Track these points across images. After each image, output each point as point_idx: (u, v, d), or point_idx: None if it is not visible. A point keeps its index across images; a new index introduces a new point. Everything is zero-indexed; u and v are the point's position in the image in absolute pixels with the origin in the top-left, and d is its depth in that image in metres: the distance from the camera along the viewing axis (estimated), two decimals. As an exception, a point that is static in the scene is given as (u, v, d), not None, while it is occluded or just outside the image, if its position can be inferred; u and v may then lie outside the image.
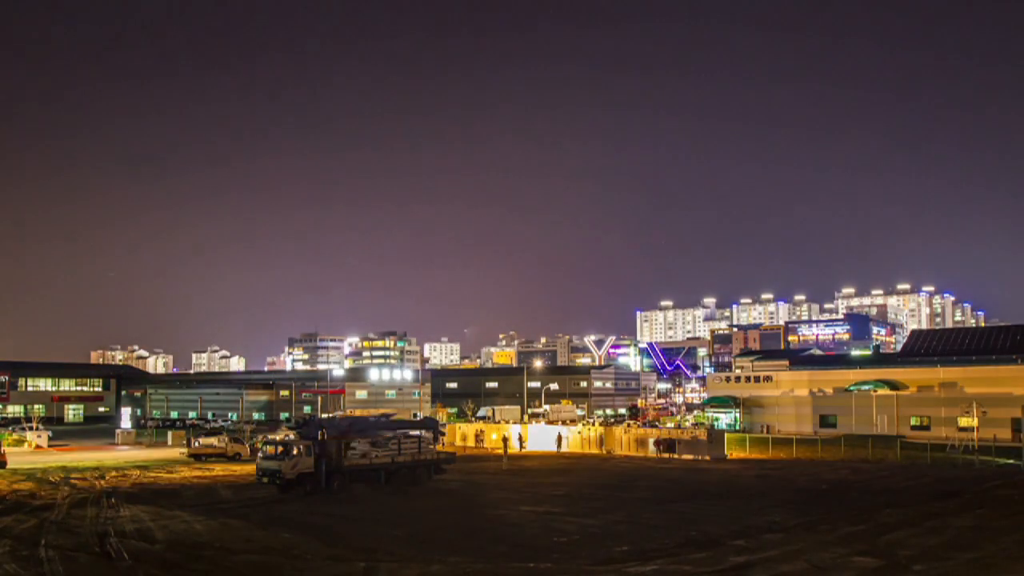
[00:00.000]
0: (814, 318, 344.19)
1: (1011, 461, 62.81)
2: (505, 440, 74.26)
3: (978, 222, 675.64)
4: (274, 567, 27.19)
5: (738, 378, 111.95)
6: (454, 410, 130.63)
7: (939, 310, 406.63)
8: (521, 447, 78.20)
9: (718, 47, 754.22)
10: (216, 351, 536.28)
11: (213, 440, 73.93)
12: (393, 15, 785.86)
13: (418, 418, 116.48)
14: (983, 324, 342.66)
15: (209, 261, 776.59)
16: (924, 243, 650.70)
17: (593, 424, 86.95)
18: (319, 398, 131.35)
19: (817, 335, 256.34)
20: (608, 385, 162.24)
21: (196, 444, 72.49)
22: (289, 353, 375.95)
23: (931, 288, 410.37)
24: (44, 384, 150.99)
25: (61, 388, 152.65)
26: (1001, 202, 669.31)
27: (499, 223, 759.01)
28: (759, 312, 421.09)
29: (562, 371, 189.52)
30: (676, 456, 68.69)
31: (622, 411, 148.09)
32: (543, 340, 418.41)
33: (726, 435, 74.74)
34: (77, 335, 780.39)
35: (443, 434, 65.67)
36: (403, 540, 31.74)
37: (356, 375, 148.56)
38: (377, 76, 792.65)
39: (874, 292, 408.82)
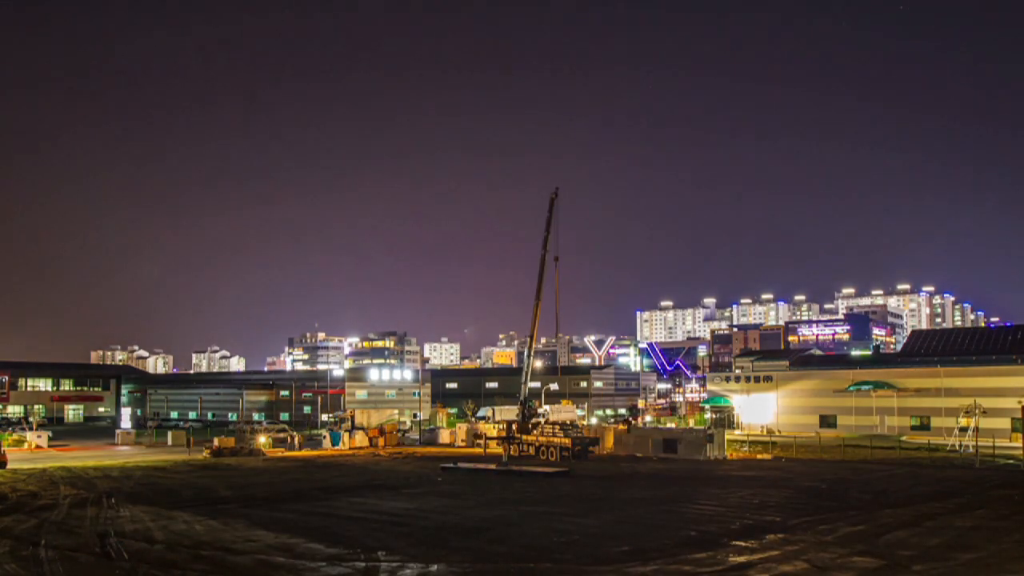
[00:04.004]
0: (814, 318, 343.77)
1: (1011, 461, 62.80)
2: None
3: (978, 222, 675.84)
4: (274, 567, 27.19)
5: (738, 378, 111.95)
6: (454, 410, 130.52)
7: (939, 310, 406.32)
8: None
9: (720, 47, 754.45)
10: (216, 351, 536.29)
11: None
12: (386, 17, 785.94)
13: (418, 418, 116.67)
14: (983, 324, 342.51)
15: (209, 262, 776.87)
16: (924, 243, 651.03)
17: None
18: (319, 398, 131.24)
19: (817, 335, 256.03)
20: (608, 385, 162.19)
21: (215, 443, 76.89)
22: (289, 353, 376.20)
23: (931, 288, 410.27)
24: (44, 384, 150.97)
25: (61, 388, 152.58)
26: (1001, 202, 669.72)
27: (498, 223, 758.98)
28: (759, 312, 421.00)
29: (562, 371, 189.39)
30: (676, 456, 68.70)
31: (622, 411, 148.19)
32: (543, 340, 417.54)
33: (726, 435, 74.74)
34: (77, 335, 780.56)
35: None
36: (403, 540, 31.75)
37: (356, 375, 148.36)
38: (376, 81, 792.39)
39: (874, 292, 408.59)
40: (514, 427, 76.15)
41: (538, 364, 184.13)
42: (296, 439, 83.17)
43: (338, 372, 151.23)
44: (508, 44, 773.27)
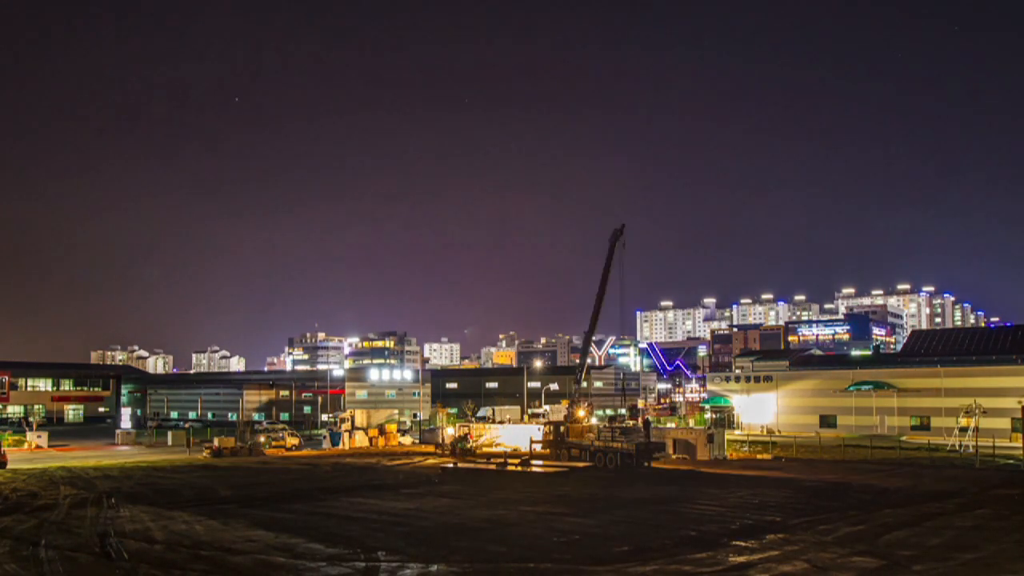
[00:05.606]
0: (814, 318, 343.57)
1: (1011, 461, 62.78)
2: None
3: (978, 222, 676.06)
4: (274, 567, 27.19)
5: (738, 378, 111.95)
6: (454, 410, 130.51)
7: (939, 310, 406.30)
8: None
9: (724, 46, 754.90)
10: (216, 351, 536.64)
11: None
12: (392, 20, 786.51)
13: (418, 418, 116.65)
14: (983, 324, 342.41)
15: (209, 261, 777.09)
16: (924, 243, 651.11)
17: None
18: (319, 398, 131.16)
19: (817, 335, 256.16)
20: (608, 385, 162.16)
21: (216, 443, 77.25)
22: (289, 353, 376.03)
23: (931, 288, 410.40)
24: (44, 384, 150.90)
25: (61, 388, 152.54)
26: (1001, 202, 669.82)
27: (499, 223, 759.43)
28: (759, 312, 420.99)
29: (562, 371, 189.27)
30: (676, 456, 68.64)
31: (622, 411, 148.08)
32: (543, 340, 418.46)
33: (726, 435, 74.72)
34: (77, 335, 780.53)
35: None
36: (403, 540, 31.75)
37: (356, 375, 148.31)
38: (377, 81, 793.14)
39: (874, 292, 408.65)
40: (562, 429, 69.60)
41: (538, 364, 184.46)
42: (292, 440, 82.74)
43: (338, 372, 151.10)
44: (496, 55, 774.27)
